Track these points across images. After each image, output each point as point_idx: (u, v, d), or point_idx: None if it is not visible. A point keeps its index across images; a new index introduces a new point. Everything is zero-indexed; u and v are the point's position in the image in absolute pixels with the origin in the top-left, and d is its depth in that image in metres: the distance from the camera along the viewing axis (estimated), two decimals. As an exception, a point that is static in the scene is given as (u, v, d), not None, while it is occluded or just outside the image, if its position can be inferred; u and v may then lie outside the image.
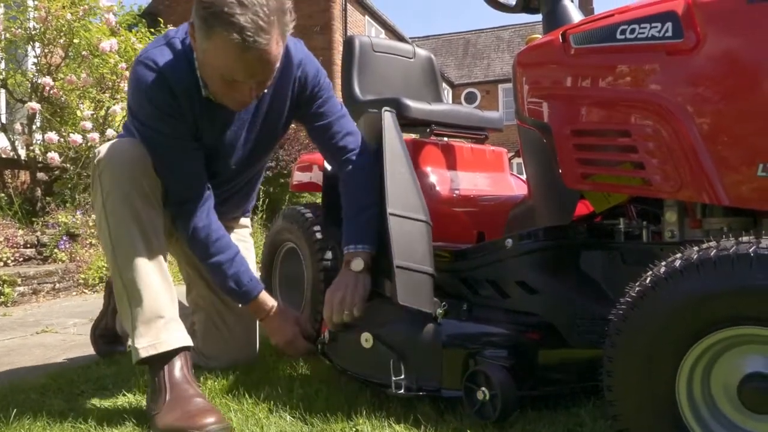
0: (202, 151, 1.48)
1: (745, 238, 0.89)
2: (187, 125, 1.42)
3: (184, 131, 1.42)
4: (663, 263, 0.94)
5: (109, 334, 1.96)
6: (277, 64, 1.31)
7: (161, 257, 1.39)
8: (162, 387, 1.29)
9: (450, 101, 20.65)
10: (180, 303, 1.87)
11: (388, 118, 1.45)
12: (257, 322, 1.81)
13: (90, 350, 2.04)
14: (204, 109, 1.42)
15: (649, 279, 0.94)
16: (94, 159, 1.40)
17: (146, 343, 1.31)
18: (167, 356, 1.32)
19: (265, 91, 1.44)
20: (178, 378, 1.30)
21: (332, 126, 1.57)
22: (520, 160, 1.55)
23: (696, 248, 0.92)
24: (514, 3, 1.62)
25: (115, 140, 1.47)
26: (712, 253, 0.88)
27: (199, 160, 1.47)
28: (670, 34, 1.09)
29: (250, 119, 1.52)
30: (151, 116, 1.38)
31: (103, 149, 1.40)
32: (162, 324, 1.33)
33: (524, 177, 1.73)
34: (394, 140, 1.43)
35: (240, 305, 1.59)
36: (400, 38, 17.96)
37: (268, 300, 1.57)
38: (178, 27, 1.45)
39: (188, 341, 1.37)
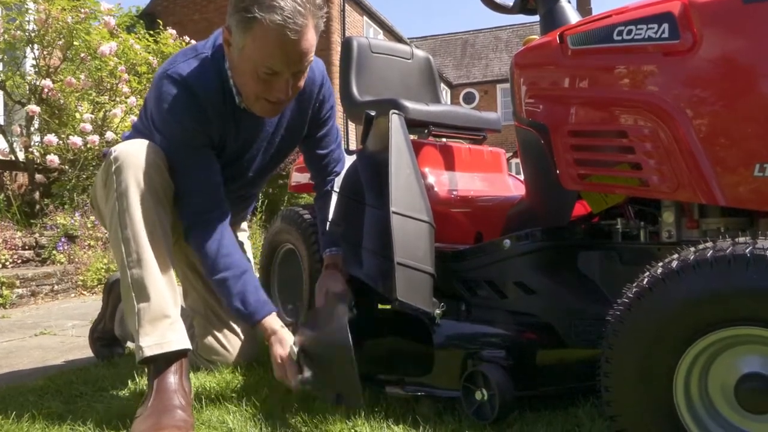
0: (220, 161, 1.50)
1: (741, 239, 0.89)
2: (209, 136, 1.43)
3: (206, 143, 1.44)
4: (660, 264, 0.94)
5: (107, 337, 1.96)
6: (311, 57, 1.34)
7: (168, 258, 1.39)
8: (151, 390, 1.29)
9: (448, 102, 20.62)
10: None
11: (396, 120, 1.46)
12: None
13: (89, 352, 2.04)
14: (232, 118, 1.45)
15: (646, 280, 0.94)
16: (109, 156, 1.40)
17: (151, 341, 1.31)
18: (169, 357, 1.32)
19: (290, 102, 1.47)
20: (168, 385, 1.29)
21: (332, 154, 1.70)
22: (518, 160, 1.55)
23: (693, 249, 0.92)
24: (511, 4, 1.63)
25: (130, 140, 1.45)
26: (708, 254, 0.88)
27: (218, 171, 1.48)
28: (666, 35, 1.10)
29: (273, 130, 1.56)
30: (174, 132, 1.40)
31: (118, 148, 1.40)
32: (168, 324, 1.33)
33: (522, 177, 1.73)
34: (401, 142, 1.44)
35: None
36: (398, 38, 17.96)
37: (271, 325, 1.41)
38: (206, 40, 1.46)
39: (187, 344, 1.37)
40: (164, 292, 1.34)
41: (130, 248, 1.34)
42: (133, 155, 1.38)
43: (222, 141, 1.48)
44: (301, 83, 1.38)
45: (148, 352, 1.30)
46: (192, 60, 1.40)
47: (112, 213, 1.38)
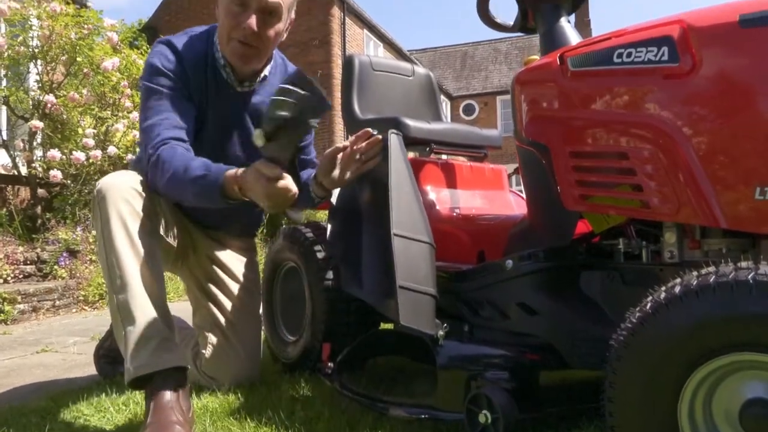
0: (200, 139, 1.56)
1: (743, 264, 0.89)
2: (188, 91, 1.53)
3: (184, 92, 1.53)
4: (662, 289, 0.94)
5: (113, 355, 1.95)
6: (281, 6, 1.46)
7: (156, 281, 1.41)
8: (148, 410, 1.29)
9: (448, 113, 20.66)
10: (185, 324, 1.87)
11: (395, 140, 1.46)
12: (261, 340, 1.82)
13: (90, 370, 2.03)
14: (214, 90, 1.57)
15: (649, 305, 0.94)
16: (95, 188, 1.45)
17: (138, 363, 1.32)
18: (159, 377, 1.32)
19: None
20: (163, 402, 1.29)
21: (312, 158, 1.78)
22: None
23: (695, 274, 0.92)
24: (511, 23, 1.64)
25: (116, 172, 1.52)
26: (711, 279, 0.88)
27: (190, 118, 1.53)
28: (666, 58, 1.10)
29: (251, 113, 1.64)
30: (154, 74, 1.51)
31: (102, 180, 1.46)
32: (155, 345, 1.34)
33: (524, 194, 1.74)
34: (399, 162, 1.44)
35: (216, 194, 1.33)
36: (398, 51, 18.07)
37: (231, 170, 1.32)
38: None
39: (182, 362, 1.37)
40: (150, 315, 1.36)
41: (114, 274, 1.37)
42: (116, 186, 1.43)
43: (201, 109, 1.56)
44: (270, 33, 1.49)
45: (135, 374, 1.31)
46: (183, 35, 1.60)
47: (98, 241, 1.43)
